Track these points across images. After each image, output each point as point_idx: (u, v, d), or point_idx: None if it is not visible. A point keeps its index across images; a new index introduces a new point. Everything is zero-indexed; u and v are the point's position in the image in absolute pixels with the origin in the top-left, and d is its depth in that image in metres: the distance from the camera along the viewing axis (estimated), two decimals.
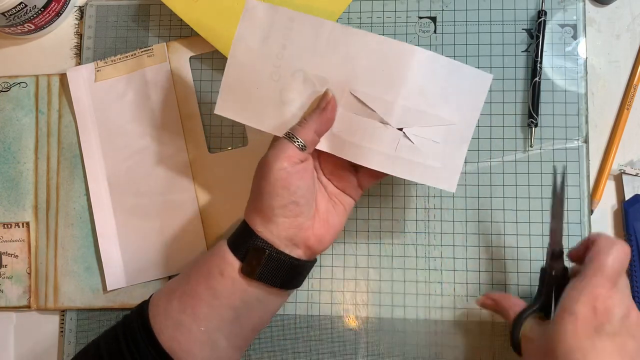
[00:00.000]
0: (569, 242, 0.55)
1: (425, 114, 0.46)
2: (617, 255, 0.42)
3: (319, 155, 0.50)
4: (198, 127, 0.60)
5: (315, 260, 0.51)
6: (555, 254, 0.48)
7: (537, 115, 0.57)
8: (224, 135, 0.61)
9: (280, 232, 0.46)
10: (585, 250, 0.45)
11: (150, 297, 0.50)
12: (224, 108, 0.49)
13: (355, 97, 0.46)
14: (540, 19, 0.57)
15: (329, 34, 0.46)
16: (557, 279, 0.47)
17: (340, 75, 0.46)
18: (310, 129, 0.46)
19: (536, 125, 0.57)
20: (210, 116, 0.61)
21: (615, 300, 0.41)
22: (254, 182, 0.47)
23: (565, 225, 0.55)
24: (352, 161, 0.47)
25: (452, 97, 0.47)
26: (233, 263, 0.47)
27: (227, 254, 0.47)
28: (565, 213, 0.53)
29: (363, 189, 0.51)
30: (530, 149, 0.57)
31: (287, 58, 0.47)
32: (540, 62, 0.57)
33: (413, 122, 0.46)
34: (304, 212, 0.47)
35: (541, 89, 0.57)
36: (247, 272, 0.46)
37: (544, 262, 0.48)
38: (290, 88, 0.47)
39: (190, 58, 0.62)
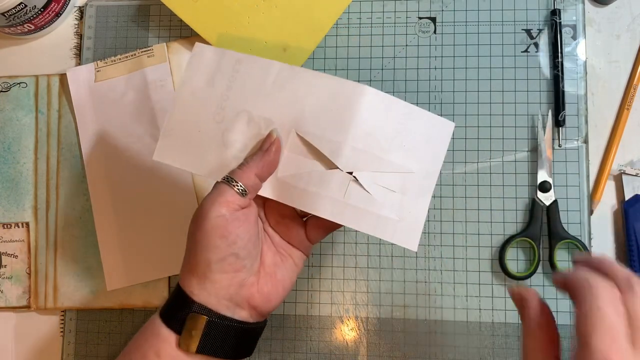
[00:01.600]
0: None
1: (378, 158, 0.43)
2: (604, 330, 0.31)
3: (264, 203, 0.46)
4: None
5: (265, 323, 0.46)
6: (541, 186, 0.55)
7: (565, 115, 0.57)
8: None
9: (219, 291, 0.41)
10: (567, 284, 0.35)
11: None
12: (164, 154, 0.45)
13: (302, 138, 0.43)
14: (556, 19, 0.57)
15: (276, 74, 0.44)
16: (546, 210, 0.54)
17: (287, 116, 0.44)
18: (251, 172, 0.42)
19: (563, 125, 0.56)
20: None
21: None
22: (188, 235, 0.42)
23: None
24: (298, 208, 0.44)
25: (409, 143, 0.43)
26: (169, 338, 0.41)
27: (161, 329, 0.41)
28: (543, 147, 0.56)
29: (313, 243, 0.47)
30: (558, 147, 0.57)
31: (232, 99, 0.44)
32: (562, 64, 0.57)
33: (363, 166, 0.43)
34: (246, 266, 0.42)
35: (541, 89, 0.57)
36: (186, 345, 0.40)
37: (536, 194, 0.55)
38: (234, 129, 0.44)
39: None
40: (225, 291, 0.41)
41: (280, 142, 0.43)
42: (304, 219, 0.47)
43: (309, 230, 0.46)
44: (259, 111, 0.44)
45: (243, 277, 0.42)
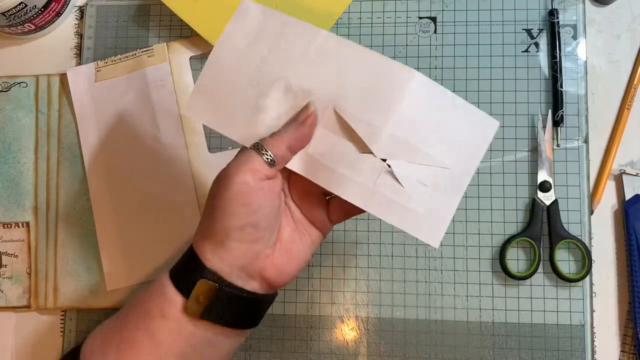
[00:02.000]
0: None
1: (415, 149, 0.41)
2: None
3: (288, 176, 0.44)
4: (198, 127, 0.60)
5: (275, 294, 0.45)
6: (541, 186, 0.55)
7: (564, 115, 0.57)
8: (224, 135, 0.60)
9: (233, 260, 0.40)
10: None
11: (84, 340, 0.43)
12: (194, 108, 0.43)
13: (340, 116, 0.41)
14: (554, 19, 0.57)
15: (321, 43, 0.41)
16: (546, 210, 0.55)
17: (327, 90, 0.41)
18: (282, 143, 0.40)
19: (561, 125, 0.56)
20: None
21: None
22: (208, 199, 0.41)
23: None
24: (325, 188, 0.41)
25: (448, 136, 0.41)
26: (176, 300, 0.40)
27: (168, 289, 0.40)
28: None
29: (333, 224, 0.45)
30: (557, 147, 0.57)
31: (272, 63, 0.42)
32: (560, 64, 0.57)
33: (400, 154, 0.41)
34: (264, 238, 0.40)
35: (542, 89, 0.57)
36: (193, 310, 0.39)
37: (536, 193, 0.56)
38: (269, 96, 0.42)
39: (190, 58, 0.61)
40: (239, 261, 0.40)
41: (316, 115, 0.41)
42: (327, 198, 0.45)
43: (332, 211, 0.45)
44: (299, 80, 0.42)
45: (259, 248, 0.41)
